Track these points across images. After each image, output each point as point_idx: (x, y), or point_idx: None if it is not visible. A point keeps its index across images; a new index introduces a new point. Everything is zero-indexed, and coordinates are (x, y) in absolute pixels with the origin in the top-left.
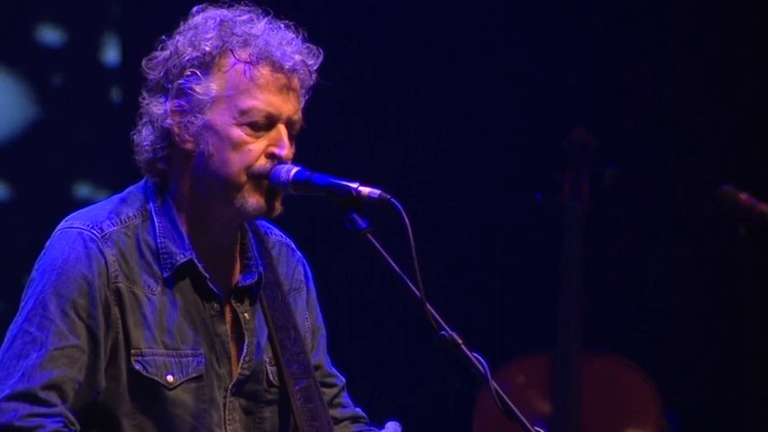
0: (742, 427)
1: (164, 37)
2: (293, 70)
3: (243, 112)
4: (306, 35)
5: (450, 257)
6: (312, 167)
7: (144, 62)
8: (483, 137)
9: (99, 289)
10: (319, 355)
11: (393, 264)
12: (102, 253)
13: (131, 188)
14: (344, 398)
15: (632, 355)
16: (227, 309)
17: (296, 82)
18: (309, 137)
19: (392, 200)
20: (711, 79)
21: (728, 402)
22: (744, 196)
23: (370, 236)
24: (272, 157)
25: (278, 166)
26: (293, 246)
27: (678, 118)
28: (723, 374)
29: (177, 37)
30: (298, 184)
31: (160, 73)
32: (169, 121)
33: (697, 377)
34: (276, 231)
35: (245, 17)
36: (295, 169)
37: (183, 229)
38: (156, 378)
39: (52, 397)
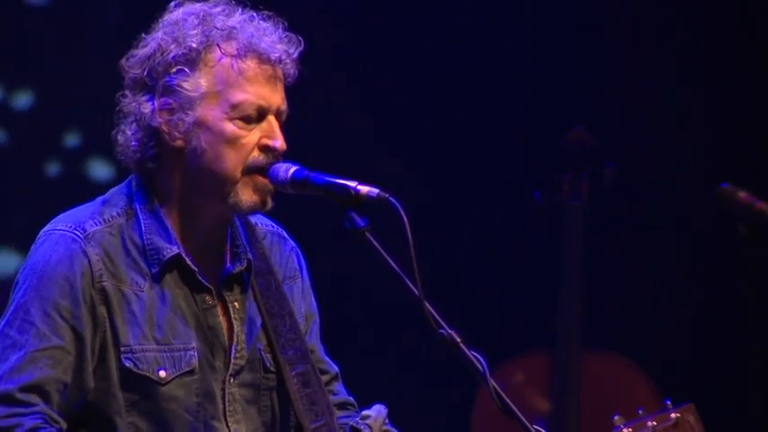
0: (742, 427)
1: (143, 35)
2: (279, 61)
3: (234, 106)
4: (286, 25)
5: (449, 256)
6: (311, 167)
7: (124, 60)
8: (482, 136)
9: (82, 289)
10: (312, 340)
11: (392, 263)
12: (84, 253)
13: (114, 189)
14: (336, 386)
15: (631, 354)
16: (219, 301)
17: (281, 72)
18: (309, 136)
19: (390, 199)
20: (711, 79)
21: (728, 402)
22: (743, 195)
23: (368, 234)
24: (265, 149)
25: (276, 166)
26: (285, 235)
27: (678, 117)
28: (723, 374)
29: (157, 33)
30: (296, 183)
31: (143, 71)
32: (158, 119)
33: (697, 377)
34: (267, 221)
35: (221, 9)
36: (293, 168)
37: (170, 224)
38: (147, 374)
39: (32, 397)
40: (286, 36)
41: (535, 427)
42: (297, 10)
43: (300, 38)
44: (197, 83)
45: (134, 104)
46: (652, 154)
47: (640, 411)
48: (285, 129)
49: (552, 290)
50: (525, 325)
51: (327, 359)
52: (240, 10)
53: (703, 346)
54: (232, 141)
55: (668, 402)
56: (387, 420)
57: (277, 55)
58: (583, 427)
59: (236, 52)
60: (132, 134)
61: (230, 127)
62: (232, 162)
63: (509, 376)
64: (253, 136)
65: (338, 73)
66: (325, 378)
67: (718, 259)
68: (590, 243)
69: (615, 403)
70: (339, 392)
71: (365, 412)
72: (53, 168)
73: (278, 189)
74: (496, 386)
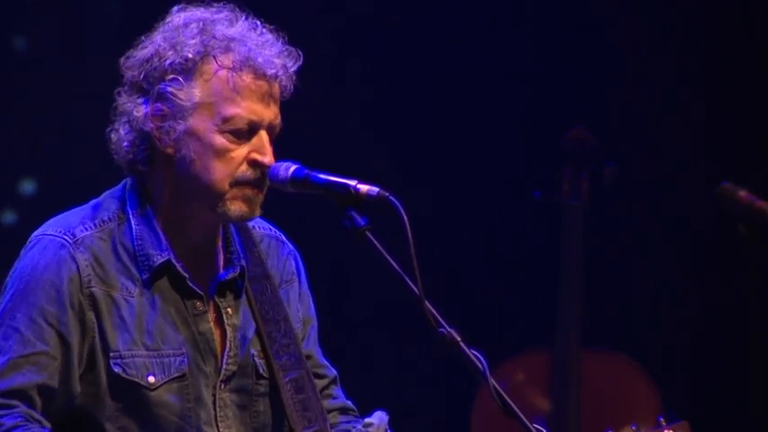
0: (742, 426)
1: (142, 37)
2: (275, 77)
3: (226, 120)
4: (287, 37)
5: (449, 255)
6: (311, 166)
7: (122, 60)
8: (482, 136)
9: (70, 294)
10: (310, 345)
11: (392, 261)
12: (73, 258)
13: (107, 193)
14: (335, 390)
15: (631, 354)
16: (211, 306)
17: (277, 88)
18: (309, 135)
19: (390, 197)
20: (711, 77)
21: (728, 402)
22: (743, 193)
23: (368, 233)
24: (254, 163)
25: (276, 164)
26: (283, 238)
27: (678, 116)
28: (723, 374)
29: (156, 37)
30: (296, 182)
31: (139, 74)
32: (149, 124)
33: (697, 377)
34: (264, 225)
35: (224, 16)
36: (293, 167)
37: (161, 230)
38: (136, 380)
39: (12, 402)
40: (285, 50)
41: (535, 426)
42: (297, 10)
43: (300, 52)
44: (191, 93)
45: (129, 105)
46: (652, 154)
47: (633, 428)
48: (286, 128)
49: (552, 288)
50: (525, 325)
51: (326, 363)
52: (243, 18)
53: (703, 346)
54: (221, 154)
55: (662, 419)
56: (388, 427)
57: (273, 71)
58: (583, 427)
59: (232, 65)
60: (125, 134)
61: (220, 140)
62: (220, 174)
63: (509, 375)
64: (242, 150)
65: (338, 72)
66: (323, 382)
67: (718, 259)
68: (590, 243)
69: (615, 403)
70: (338, 396)
71: (367, 420)
72: (8, 217)
73: (278, 188)
74: (497, 385)
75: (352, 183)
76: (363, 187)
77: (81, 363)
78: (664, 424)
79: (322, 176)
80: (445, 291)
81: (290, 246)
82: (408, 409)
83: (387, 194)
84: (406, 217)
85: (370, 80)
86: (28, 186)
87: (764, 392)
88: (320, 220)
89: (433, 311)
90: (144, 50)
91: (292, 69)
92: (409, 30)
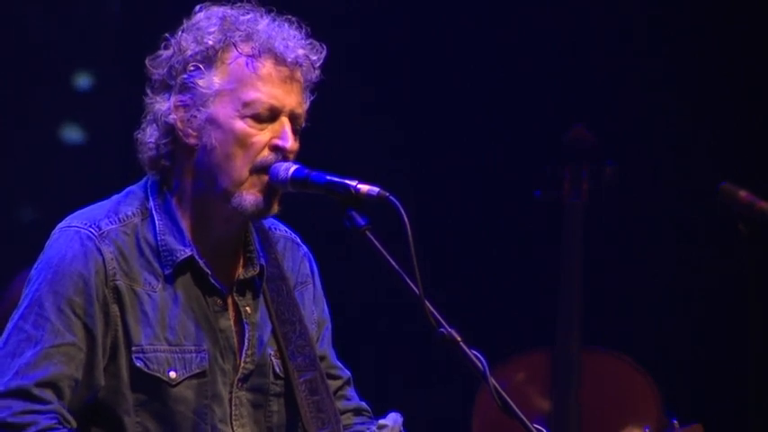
0: (742, 426)
1: (167, 35)
2: (296, 63)
3: (246, 104)
4: (309, 31)
5: (449, 255)
6: (312, 165)
7: (148, 61)
8: (483, 134)
9: (96, 287)
10: (324, 346)
11: (392, 261)
12: (99, 251)
13: (131, 187)
14: (349, 391)
15: (631, 352)
16: (231, 303)
17: (299, 75)
18: (310, 135)
19: (391, 197)
20: (711, 76)
21: (728, 402)
22: (743, 194)
23: (369, 233)
24: (275, 149)
25: (277, 164)
26: (298, 240)
27: (678, 115)
28: (723, 374)
29: (180, 35)
30: (296, 182)
31: (164, 70)
32: (173, 116)
33: (697, 377)
34: (281, 227)
35: (248, 15)
36: (294, 167)
37: (184, 225)
38: (158, 375)
39: (47, 394)
40: (308, 42)
41: (535, 426)
42: (294, 10)
43: (323, 45)
44: (211, 80)
45: (154, 104)
46: (652, 153)
47: (647, 430)
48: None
49: (552, 287)
50: (525, 323)
51: (339, 364)
52: (269, 17)
53: (703, 346)
54: (242, 140)
55: (675, 422)
56: (402, 429)
57: (293, 57)
58: (583, 427)
59: (251, 52)
60: (151, 132)
61: (241, 125)
62: (240, 161)
63: (509, 375)
64: (263, 135)
65: (338, 73)
66: (337, 383)
67: (718, 259)
68: (590, 242)
69: (615, 402)
70: (352, 398)
71: (381, 421)
72: None
73: (278, 188)
74: (497, 385)
75: (353, 183)
76: (364, 187)
77: (104, 355)
78: (677, 427)
79: (322, 177)
80: (445, 290)
81: (305, 248)
82: (408, 410)
83: (387, 194)
84: (406, 217)
85: (370, 79)
86: None
87: (764, 393)
88: (319, 219)
89: (434, 311)
90: (168, 49)
91: (315, 60)
92: (409, 29)
